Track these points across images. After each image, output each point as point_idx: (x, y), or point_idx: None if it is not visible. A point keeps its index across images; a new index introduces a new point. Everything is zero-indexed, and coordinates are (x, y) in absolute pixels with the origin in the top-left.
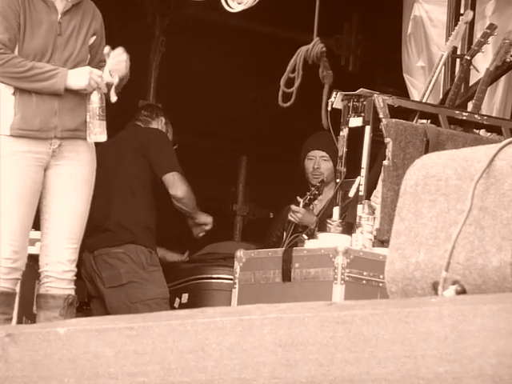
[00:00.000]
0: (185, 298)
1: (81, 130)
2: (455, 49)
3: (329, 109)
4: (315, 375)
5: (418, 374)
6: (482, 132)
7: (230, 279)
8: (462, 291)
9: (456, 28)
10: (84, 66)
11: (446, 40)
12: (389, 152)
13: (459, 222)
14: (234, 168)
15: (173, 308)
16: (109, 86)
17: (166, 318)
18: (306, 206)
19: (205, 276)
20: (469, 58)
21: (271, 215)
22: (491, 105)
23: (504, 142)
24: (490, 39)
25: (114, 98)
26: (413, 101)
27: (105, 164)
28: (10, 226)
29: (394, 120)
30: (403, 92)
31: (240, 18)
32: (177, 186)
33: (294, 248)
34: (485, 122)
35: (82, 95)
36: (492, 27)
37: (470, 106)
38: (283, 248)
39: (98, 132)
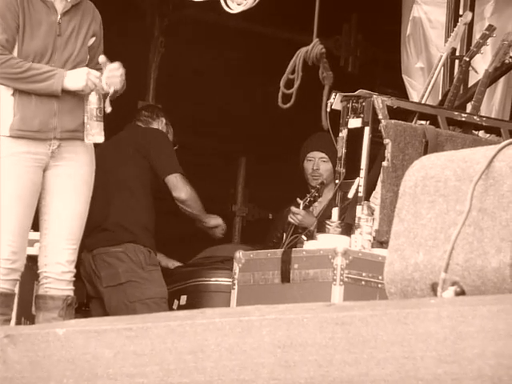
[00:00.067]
0: (183, 299)
1: (80, 131)
2: (454, 50)
3: (328, 110)
4: (314, 376)
5: (417, 375)
6: (481, 133)
7: (229, 281)
8: (461, 292)
9: (455, 29)
10: (83, 66)
11: (445, 41)
12: (388, 153)
13: (458, 223)
14: (233, 169)
15: (171, 310)
16: (104, 96)
17: (164, 318)
18: (306, 207)
19: (203, 279)
20: (468, 59)
21: (270, 216)
22: (490, 106)
23: (503, 143)
24: (489, 40)
25: (108, 109)
26: (412, 102)
27: (104, 164)
28: (9, 226)
29: (393, 121)
30: (402, 93)
31: (239, 19)
32: (180, 187)
33: (293, 249)
34: (484, 124)
35: (81, 96)
36: (491, 28)
37: (468, 107)
38: (282, 249)
39: (96, 133)
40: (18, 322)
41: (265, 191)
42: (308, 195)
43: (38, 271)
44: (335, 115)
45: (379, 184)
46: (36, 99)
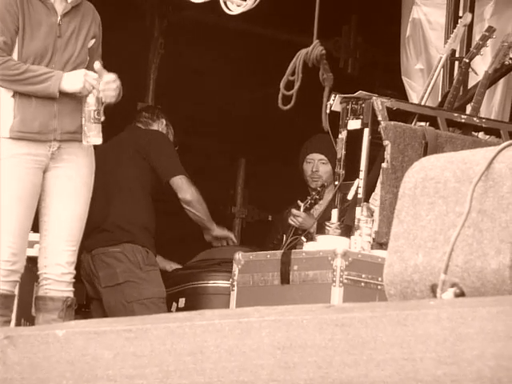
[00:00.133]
0: (182, 302)
1: (80, 133)
2: (454, 51)
3: (327, 111)
4: (313, 378)
5: (416, 377)
6: (481, 135)
7: (227, 284)
8: (461, 294)
9: (455, 30)
10: (83, 68)
11: (445, 42)
12: (387, 154)
13: (458, 224)
14: (232, 170)
15: (170, 312)
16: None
17: (164, 320)
18: (306, 210)
19: (201, 282)
20: (467, 60)
21: (270, 217)
22: (490, 107)
23: (503, 144)
24: (489, 42)
25: (102, 118)
26: (411, 103)
27: (104, 165)
28: (9, 228)
29: (392, 122)
30: (402, 94)
31: (239, 21)
32: (185, 189)
33: (293, 250)
34: (483, 125)
35: (81, 98)
36: (491, 30)
37: (468, 108)
38: (282, 250)
39: (93, 135)
40: (18, 324)
41: (264, 193)
42: (309, 197)
43: (38, 272)
44: (335, 117)
45: (379, 185)
46: (36, 101)
